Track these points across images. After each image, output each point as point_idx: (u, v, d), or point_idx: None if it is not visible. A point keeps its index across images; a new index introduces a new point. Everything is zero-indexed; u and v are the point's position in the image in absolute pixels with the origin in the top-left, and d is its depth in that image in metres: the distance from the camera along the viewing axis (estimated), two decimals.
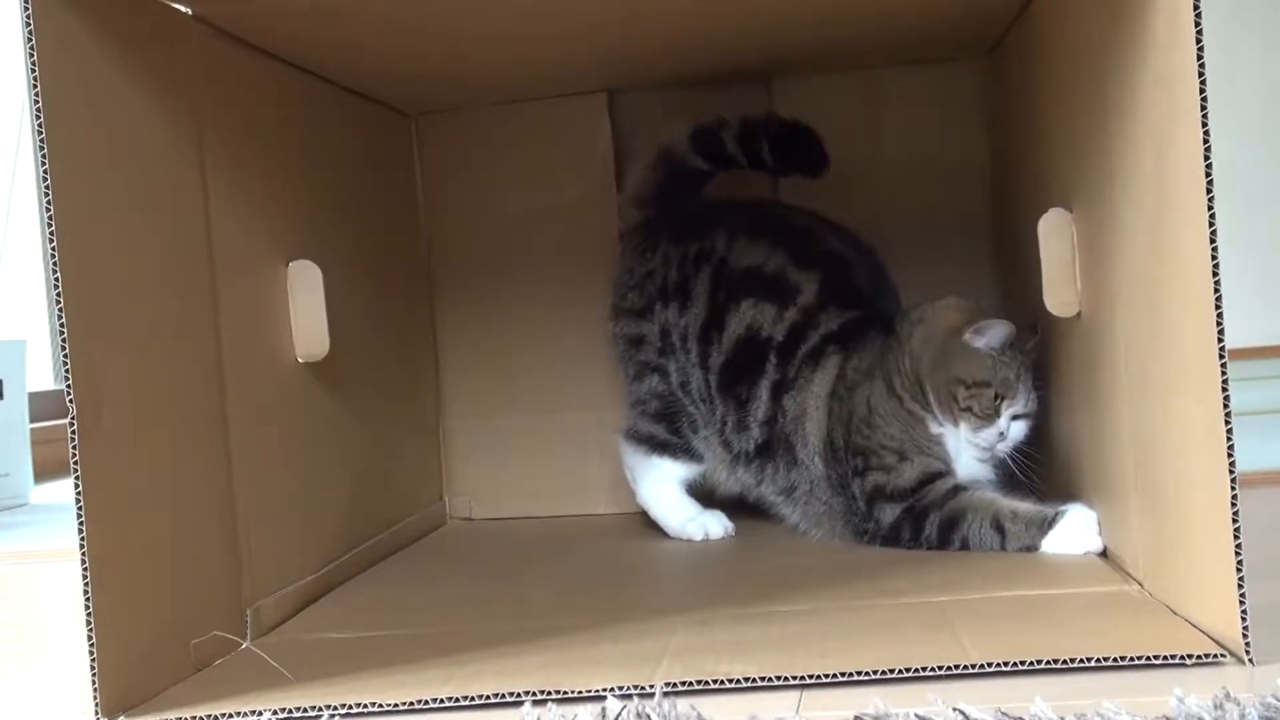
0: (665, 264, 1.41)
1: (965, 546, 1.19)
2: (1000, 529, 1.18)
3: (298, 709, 0.86)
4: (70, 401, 0.87)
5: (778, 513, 1.36)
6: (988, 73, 1.53)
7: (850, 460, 1.27)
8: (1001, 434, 1.23)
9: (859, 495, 1.27)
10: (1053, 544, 1.16)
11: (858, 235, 1.41)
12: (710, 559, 1.31)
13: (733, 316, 1.34)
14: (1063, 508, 1.17)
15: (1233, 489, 0.80)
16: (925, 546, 1.22)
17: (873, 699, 0.77)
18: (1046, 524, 1.16)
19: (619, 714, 0.78)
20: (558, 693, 0.84)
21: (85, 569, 0.86)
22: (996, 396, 1.23)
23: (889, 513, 1.24)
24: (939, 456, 1.26)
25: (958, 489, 1.23)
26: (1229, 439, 0.79)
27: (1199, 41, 0.80)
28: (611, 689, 0.83)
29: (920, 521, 1.22)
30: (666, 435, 1.40)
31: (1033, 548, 1.16)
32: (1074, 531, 1.15)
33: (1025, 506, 1.19)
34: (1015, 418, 1.24)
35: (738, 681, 0.84)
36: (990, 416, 1.23)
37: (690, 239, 1.40)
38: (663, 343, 1.40)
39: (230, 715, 0.86)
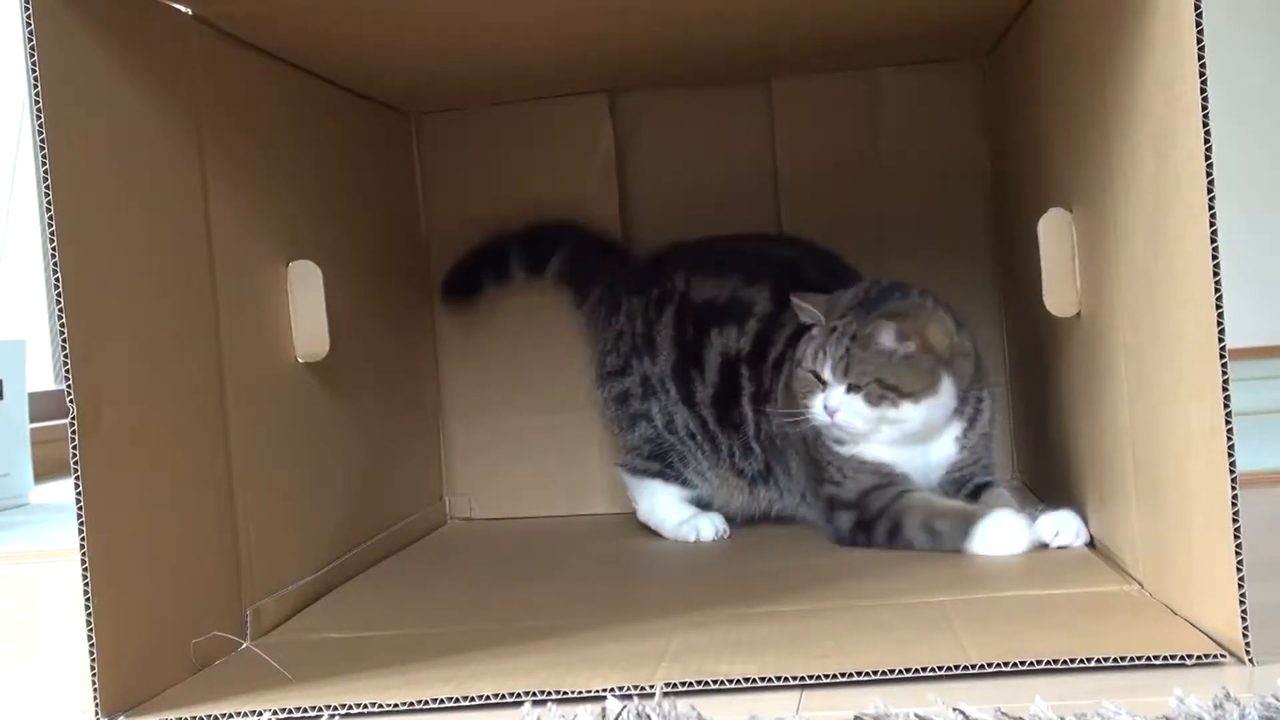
0: (630, 318, 1.44)
1: (911, 549, 1.20)
2: (931, 531, 1.19)
3: (298, 709, 0.86)
4: (70, 401, 0.87)
5: (804, 519, 1.35)
6: (987, 73, 1.53)
7: (810, 469, 1.29)
8: (826, 408, 1.21)
9: (819, 501, 1.29)
10: (977, 545, 1.17)
11: (811, 243, 1.43)
12: (710, 559, 1.31)
13: (707, 350, 1.36)
14: (989, 510, 1.18)
15: (1233, 489, 0.80)
16: (881, 548, 1.22)
17: (873, 699, 0.77)
18: (970, 525, 1.17)
19: (619, 714, 0.78)
20: (558, 693, 0.84)
21: (85, 569, 0.86)
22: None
23: (845, 520, 1.26)
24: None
25: (902, 493, 1.23)
26: (1229, 439, 0.79)
27: (1199, 41, 0.80)
28: (611, 689, 0.83)
29: (871, 531, 1.24)
30: (661, 468, 1.42)
31: (959, 549, 1.17)
32: (995, 533, 1.16)
33: (955, 507, 1.20)
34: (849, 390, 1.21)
35: (738, 681, 0.84)
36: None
37: (651, 286, 1.43)
38: (644, 389, 1.42)
39: (230, 715, 0.86)
